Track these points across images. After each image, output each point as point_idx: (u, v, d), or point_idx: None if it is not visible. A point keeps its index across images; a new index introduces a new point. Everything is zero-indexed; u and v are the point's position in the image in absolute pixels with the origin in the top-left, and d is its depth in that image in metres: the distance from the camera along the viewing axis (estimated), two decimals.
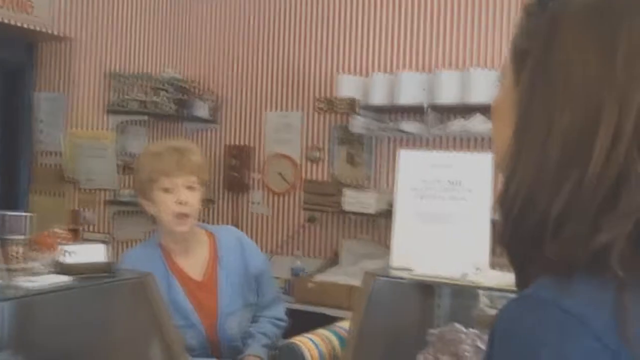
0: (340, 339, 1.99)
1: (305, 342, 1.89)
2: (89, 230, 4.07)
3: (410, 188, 2.00)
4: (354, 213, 3.82)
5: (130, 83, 4.19)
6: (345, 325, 2.06)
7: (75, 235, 4.03)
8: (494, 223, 1.92)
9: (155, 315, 1.66)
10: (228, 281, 2.21)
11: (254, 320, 2.31)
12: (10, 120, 4.71)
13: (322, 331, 2.00)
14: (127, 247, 4.15)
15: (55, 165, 4.03)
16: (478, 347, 1.76)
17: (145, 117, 4.19)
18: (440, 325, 1.88)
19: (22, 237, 1.55)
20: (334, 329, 2.02)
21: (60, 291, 1.50)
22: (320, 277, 3.75)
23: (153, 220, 2.23)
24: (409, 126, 3.66)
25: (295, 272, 3.95)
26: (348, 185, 3.94)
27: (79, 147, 3.99)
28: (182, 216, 2.11)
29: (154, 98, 4.23)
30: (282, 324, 2.36)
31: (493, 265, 1.86)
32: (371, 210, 3.68)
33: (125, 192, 4.17)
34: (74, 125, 4.01)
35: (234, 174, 4.47)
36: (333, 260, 3.99)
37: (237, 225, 4.42)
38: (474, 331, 1.76)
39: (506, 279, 1.75)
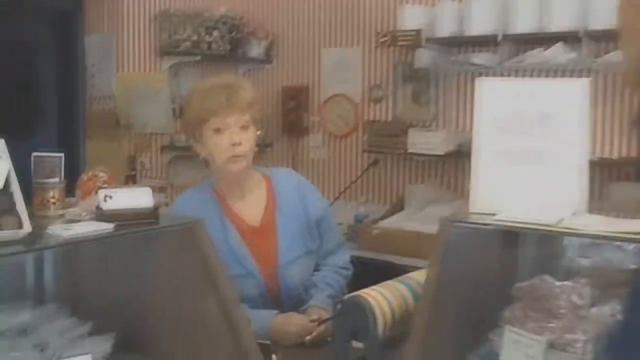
0: (413, 292, 1.78)
1: (374, 295, 1.69)
2: (145, 177, 3.96)
3: (492, 122, 1.73)
4: (420, 155, 3.57)
5: (181, 22, 3.99)
6: (417, 276, 1.85)
7: (133, 183, 3.94)
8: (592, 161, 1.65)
9: (206, 265, 1.49)
10: (287, 227, 2.05)
11: (317, 268, 2.14)
12: (64, 65, 4.62)
13: (392, 283, 1.79)
14: None
15: (109, 110, 3.91)
16: (574, 303, 1.51)
17: (198, 58, 3.99)
18: (527, 278, 1.64)
19: (56, 180, 1.39)
20: (405, 281, 1.81)
21: (98, 240, 1.33)
22: (384, 224, 3.54)
23: (205, 163, 2.06)
24: (481, 58, 3.34)
25: (358, 219, 3.75)
26: (413, 126, 3.67)
27: (131, 90, 3.85)
28: (236, 158, 1.94)
29: (207, 38, 4.03)
30: (347, 272, 2.19)
31: (591, 210, 1.60)
32: (439, 151, 3.42)
33: (181, 137, 4.01)
34: (125, 68, 3.86)
35: (291, 117, 4.26)
36: (398, 206, 3.76)
37: (296, 171, 4.23)
38: (569, 284, 1.52)
39: (609, 224, 1.50)
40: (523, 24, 3.27)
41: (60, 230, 1.29)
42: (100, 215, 1.41)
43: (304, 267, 2.08)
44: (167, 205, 4.01)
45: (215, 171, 2.05)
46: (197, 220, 1.51)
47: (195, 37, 3.99)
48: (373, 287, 1.77)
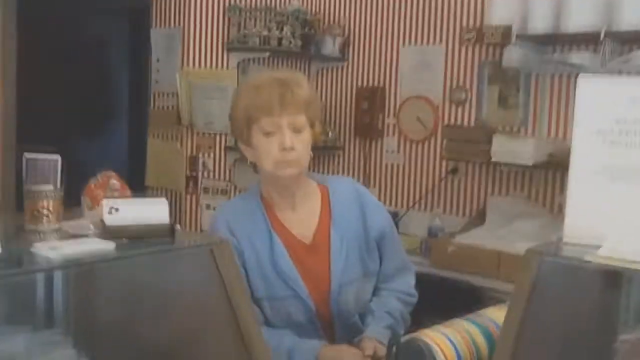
0: (487, 336, 1.45)
1: (437, 338, 1.38)
2: (208, 177, 3.77)
3: (595, 131, 1.38)
4: (506, 164, 3.19)
5: (250, 17, 3.77)
6: (493, 315, 1.52)
7: (195, 184, 3.76)
8: None
9: (228, 293, 1.22)
10: (343, 244, 1.77)
11: (376, 293, 1.85)
12: (135, 61, 4.52)
13: (460, 322, 1.47)
14: None
15: (171, 107, 3.74)
16: None
17: (267, 54, 3.76)
18: (634, 329, 1.29)
19: (50, 188, 1.15)
20: (477, 321, 1.48)
21: (98, 262, 1.08)
22: (462, 239, 3.18)
23: (254, 168, 1.80)
24: (579, 58, 2.93)
25: (433, 232, 3.41)
26: (499, 132, 3.29)
27: (196, 87, 3.66)
28: (287, 164, 1.68)
29: (277, 33, 3.79)
30: (411, 299, 1.89)
31: None
32: (527, 161, 3.03)
33: None
34: (190, 64, 3.68)
35: (365, 119, 3.95)
36: (478, 220, 3.39)
37: (368, 177, 3.94)
38: None
39: None
40: (629, 19, 2.84)
41: (44, 250, 1.05)
42: (103, 231, 1.17)
43: (360, 292, 1.80)
44: None
45: (263, 177, 1.79)
46: (220, 240, 1.25)
47: (265, 32, 3.76)
48: (437, 326, 1.45)
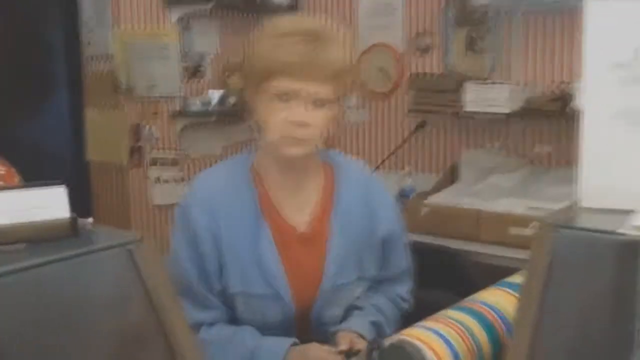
0: (487, 325, 1.18)
1: (428, 338, 1.10)
2: (156, 148, 3.42)
3: (610, 66, 1.10)
4: (479, 114, 2.91)
5: None
6: (490, 298, 1.25)
7: (140, 155, 3.41)
8: None
9: (152, 300, 0.93)
10: (343, 238, 1.47)
11: (366, 292, 1.58)
12: (70, 22, 4.08)
13: (452, 314, 1.20)
14: (203, 165, 3.49)
15: (107, 72, 3.36)
16: None
17: (209, 6, 3.38)
18: None
19: None
20: (473, 309, 1.21)
21: None
22: (436, 199, 2.91)
23: (256, 128, 1.48)
24: None
25: (404, 193, 3.13)
26: (469, 79, 3.00)
27: (133, 47, 3.28)
28: (296, 141, 1.36)
29: None
30: (404, 304, 1.62)
31: None
32: (504, 109, 2.76)
33: (195, 100, 3.46)
34: (124, 21, 3.28)
35: None
36: (451, 176, 3.13)
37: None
38: None
39: None
40: None
41: None
42: None
43: (349, 296, 1.53)
44: (182, 181, 3.52)
45: (264, 145, 1.47)
46: (139, 237, 0.94)
47: None
48: (424, 322, 1.17)
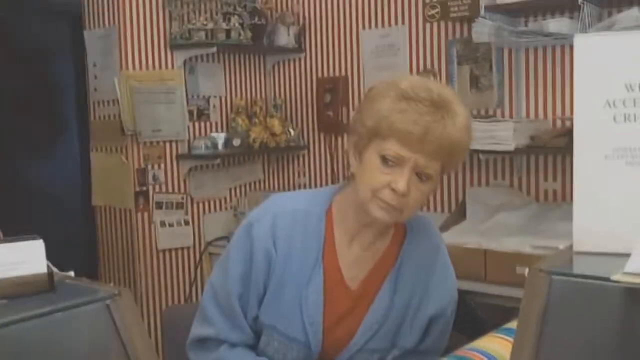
0: None
1: None
2: (160, 191, 3.41)
3: (603, 102, 1.07)
4: (484, 152, 2.88)
5: (193, 9, 3.42)
6: (485, 345, 1.21)
7: (145, 199, 3.40)
8: None
9: (127, 356, 0.90)
10: (389, 305, 1.40)
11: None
12: (77, 67, 4.14)
13: None
14: (207, 209, 3.48)
15: (113, 116, 3.38)
16: None
17: (214, 50, 3.40)
18: None
19: None
20: (466, 357, 1.16)
21: None
22: (445, 238, 2.86)
23: (350, 177, 1.43)
24: (557, 25, 2.63)
25: None
26: (474, 116, 2.98)
27: (138, 91, 3.30)
28: (389, 207, 1.30)
29: (224, 25, 3.45)
30: None
31: None
32: (508, 146, 2.73)
33: (200, 143, 3.46)
34: (130, 66, 3.31)
35: (328, 113, 3.63)
36: (458, 215, 3.08)
37: (336, 176, 3.62)
38: None
39: None
40: None
41: None
42: None
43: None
44: (187, 224, 3.50)
45: (350, 197, 1.39)
46: (117, 291, 0.92)
47: (211, 25, 3.41)
48: None
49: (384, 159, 1.27)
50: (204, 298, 1.46)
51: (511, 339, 1.21)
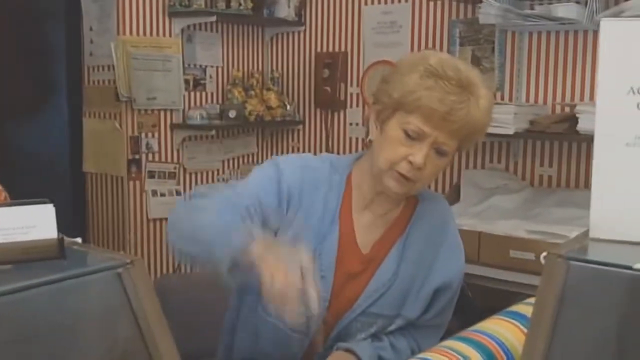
0: (487, 354, 1.13)
1: None
2: (153, 160, 3.37)
3: (627, 89, 1.06)
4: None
5: None
6: (490, 327, 1.20)
7: (138, 167, 3.36)
8: None
9: (140, 329, 0.88)
10: (396, 270, 1.40)
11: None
12: (72, 32, 4.05)
13: (452, 344, 1.14)
14: (199, 180, 3.44)
15: (108, 82, 3.32)
16: None
17: (214, 19, 3.35)
18: None
19: None
20: (472, 339, 1.16)
21: None
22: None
23: (367, 145, 1.44)
24: (566, 10, 2.60)
25: None
26: None
27: (135, 58, 3.24)
28: (403, 178, 1.32)
29: None
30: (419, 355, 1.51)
31: None
32: (508, 129, 2.72)
33: (195, 113, 3.42)
34: (127, 32, 3.25)
35: (325, 88, 3.59)
36: (452, 196, 3.08)
37: (330, 151, 3.59)
38: None
39: None
40: None
41: None
42: None
43: (375, 333, 1.43)
44: (179, 194, 3.47)
45: (369, 165, 1.41)
46: (130, 260, 0.89)
47: None
48: (424, 354, 1.12)
49: (406, 133, 1.30)
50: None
51: (517, 323, 1.22)
